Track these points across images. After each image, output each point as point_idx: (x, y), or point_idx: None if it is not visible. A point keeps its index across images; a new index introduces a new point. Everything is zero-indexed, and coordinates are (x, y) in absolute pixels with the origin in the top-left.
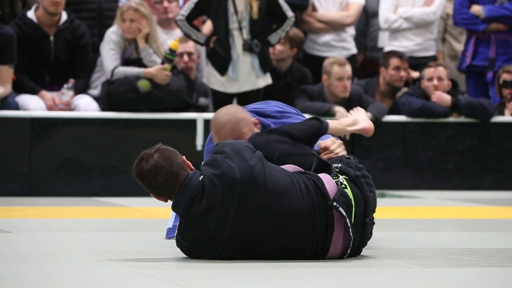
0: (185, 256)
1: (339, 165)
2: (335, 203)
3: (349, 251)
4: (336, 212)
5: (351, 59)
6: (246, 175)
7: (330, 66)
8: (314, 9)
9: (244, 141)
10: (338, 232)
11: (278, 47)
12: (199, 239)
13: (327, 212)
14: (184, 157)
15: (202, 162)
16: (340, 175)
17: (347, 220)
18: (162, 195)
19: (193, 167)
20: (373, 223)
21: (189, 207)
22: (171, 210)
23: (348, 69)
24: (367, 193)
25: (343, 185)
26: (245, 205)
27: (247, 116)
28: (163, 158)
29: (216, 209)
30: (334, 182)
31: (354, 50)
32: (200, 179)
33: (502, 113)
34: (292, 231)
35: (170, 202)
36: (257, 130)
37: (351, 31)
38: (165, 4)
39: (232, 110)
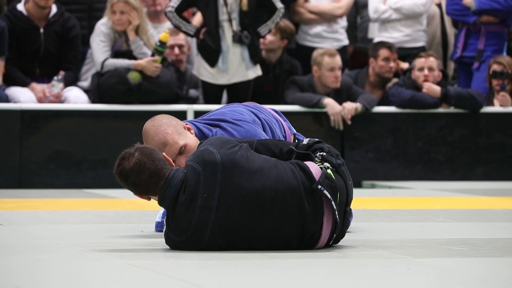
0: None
1: (322, 153)
2: (319, 186)
3: (334, 236)
4: (322, 195)
5: (342, 50)
6: (227, 158)
7: (321, 57)
8: (306, 0)
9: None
10: (328, 216)
11: (269, 37)
12: (186, 229)
13: (315, 195)
14: (164, 153)
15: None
16: (323, 162)
17: (333, 203)
18: (146, 193)
19: (173, 164)
20: (351, 214)
21: (176, 198)
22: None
23: (338, 59)
24: (348, 181)
25: (329, 170)
26: (228, 188)
27: (176, 122)
28: (144, 156)
29: (200, 195)
30: (319, 167)
31: (345, 42)
32: (184, 171)
33: (491, 103)
34: (278, 213)
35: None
36: (190, 133)
37: (343, 22)
38: None
39: (159, 121)
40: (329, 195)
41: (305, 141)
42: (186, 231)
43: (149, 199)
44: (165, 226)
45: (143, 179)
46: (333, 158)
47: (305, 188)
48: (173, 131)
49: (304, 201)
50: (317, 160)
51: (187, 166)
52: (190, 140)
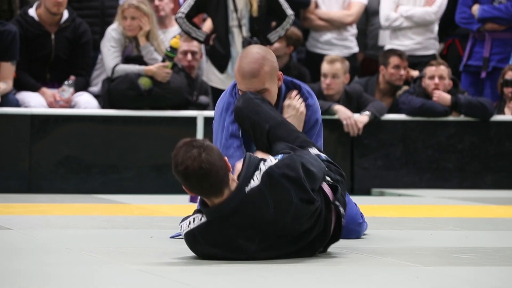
0: (186, 254)
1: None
2: (336, 202)
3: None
4: (335, 211)
5: (352, 57)
6: (300, 209)
7: (323, 63)
8: (317, 6)
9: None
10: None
11: (275, 44)
12: (223, 244)
13: (327, 217)
14: (226, 157)
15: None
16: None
17: (343, 220)
18: (197, 194)
19: (231, 168)
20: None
21: (228, 216)
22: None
23: (336, 67)
24: (347, 197)
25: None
26: (283, 231)
27: (275, 64)
28: (210, 162)
29: (255, 227)
30: (328, 186)
31: (355, 49)
32: (247, 191)
33: (502, 111)
34: (294, 247)
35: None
36: (279, 83)
37: (353, 30)
38: (156, 2)
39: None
40: (342, 211)
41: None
42: (221, 247)
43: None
44: (188, 224)
45: (203, 186)
46: (331, 173)
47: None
48: (269, 70)
49: (320, 226)
50: None
51: (259, 193)
52: (274, 89)
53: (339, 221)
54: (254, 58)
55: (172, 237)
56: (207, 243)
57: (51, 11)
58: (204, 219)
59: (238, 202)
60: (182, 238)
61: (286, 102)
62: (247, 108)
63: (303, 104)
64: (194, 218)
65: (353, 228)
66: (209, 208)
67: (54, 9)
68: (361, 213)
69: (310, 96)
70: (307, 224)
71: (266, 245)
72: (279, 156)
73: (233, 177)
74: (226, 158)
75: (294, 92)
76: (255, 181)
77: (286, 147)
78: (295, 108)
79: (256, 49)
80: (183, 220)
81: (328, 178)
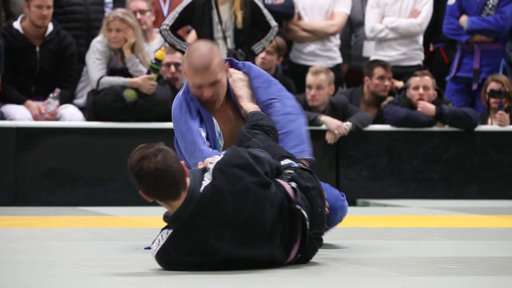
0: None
1: (292, 172)
2: (297, 206)
3: (297, 256)
4: (298, 214)
5: (336, 68)
6: (255, 191)
7: (308, 75)
8: (300, 18)
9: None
10: (300, 235)
11: (268, 57)
12: (195, 251)
13: (292, 214)
14: (183, 161)
15: (213, 158)
16: (291, 182)
17: (307, 223)
18: (154, 198)
19: (187, 172)
20: (319, 238)
21: (191, 220)
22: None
23: (320, 78)
24: (317, 207)
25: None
26: (248, 222)
27: (221, 56)
28: (166, 163)
29: (220, 224)
30: (290, 187)
31: (339, 60)
32: (201, 190)
33: (485, 122)
34: (265, 243)
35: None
36: (227, 74)
37: (336, 40)
38: (139, 16)
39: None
40: (305, 214)
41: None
42: (195, 254)
43: (152, 200)
44: (158, 242)
45: (159, 187)
46: (302, 180)
47: (285, 208)
48: (218, 62)
49: (285, 222)
50: (286, 178)
51: (213, 188)
52: (224, 79)
53: (304, 226)
54: (203, 52)
55: (147, 248)
56: (180, 254)
57: (36, 24)
58: (170, 231)
59: (196, 203)
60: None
61: (230, 80)
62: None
63: (240, 72)
64: (162, 235)
65: (340, 204)
66: (171, 216)
67: (39, 22)
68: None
69: (242, 65)
70: (270, 213)
71: (237, 241)
72: (222, 153)
73: (189, 181)
74: (182, 162)
75: (230, 69)
76: (206, 181)
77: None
78: (239, 79)
79: (202, 45)
80: (152, 242)
81: (289, 177)
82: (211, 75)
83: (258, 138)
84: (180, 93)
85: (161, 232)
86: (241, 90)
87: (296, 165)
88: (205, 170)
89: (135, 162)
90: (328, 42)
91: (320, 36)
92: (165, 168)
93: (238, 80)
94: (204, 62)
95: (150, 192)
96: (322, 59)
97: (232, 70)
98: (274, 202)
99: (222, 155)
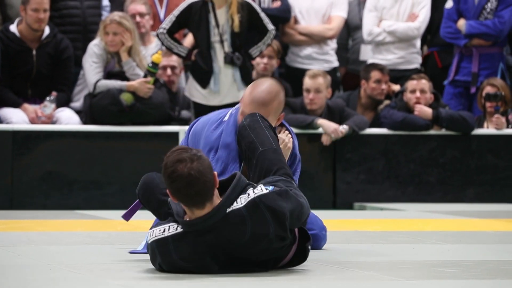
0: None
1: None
2: (309, 247)
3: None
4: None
5: (333, 72)
6: (271, 244)
7: (305, 78)
8: (296, 21)
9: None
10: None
11: (270, 61)
12: (191, 260)
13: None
14: (215, 172)
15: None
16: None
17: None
18: (179, 201)
19: (217, 184)
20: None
21: (204, 232)
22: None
23: (318, 81)
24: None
25: None
26: (249, 257)
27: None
28: (200, 171)
29: (225, 249)
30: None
31: (336, 63)
32: (228, 210)
33: (481, 125)
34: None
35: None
36: (277, 123)
37: (333, 44)
38: (137, 19)
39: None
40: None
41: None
42: (190, 261)
43: (176, 202)
44: (162, 231)
45: (187, 193)
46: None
47: None
48: (277, 106)
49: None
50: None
51: (247, 209)
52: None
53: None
54: (270, 88)
55: (132, 252)
56: (177, 255)
57: (32, 27)
58: (180, 229)
59: (218, 220)
60: (142, 253)
61: (279, 136)
62: (251, 127)
63: (291, 140)
64: (169, 226)
65: (324, 234)
66: (188, 221)
67: (35, 26)
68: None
69: (292, 134)
70: (271, 256)
71: (228, 266)
72: (271, 188)
73: (217, 194)
74: (216, 173)
75: (284, 129)
76: (238, 204)
77: (280, 180)
78: (283, 142)
79: (274, 82)
80: (153, 226)
81: None
82: (264, 113)
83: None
84: (230, 111)
85: (168, 222)
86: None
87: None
88: (246, 188)
89: (171, 163)
90: (325, 46)
91: (317, 40)
92: (198, 176)
93: (281, 141)
94: (265, 98)
95: (177, 195)
96: (318, 63)
97: (286, 132)
98: (282, 249)
99: (268, 190)
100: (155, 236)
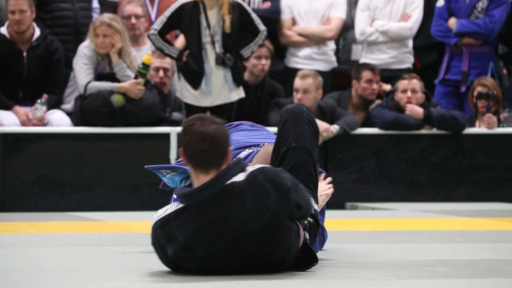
0: (160, 270)
1: (310, 220)
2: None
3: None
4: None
5: (332, 72)
6: (277, 219)
7: (296, 78)
8: (295, 23)
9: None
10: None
11: (267, 62)
12: (193, 237)
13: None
14: (232, 147)
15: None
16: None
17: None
18: (189, 159)
19: (229, 160)
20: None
21: (204, 204)
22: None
23: (307, 82)
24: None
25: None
26: (248, 232)
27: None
28: (216, 134)
29: (227, 225)
30: (303, 233)
31: (335, 64)
32: (227, 182)
33: (473, 125)
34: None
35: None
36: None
37: (332, 45)
38: (133, 20)
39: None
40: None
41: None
42: (189, 235)
43: (185, 163)
44: (165, 211)
45: (200, 149)
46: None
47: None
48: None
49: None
50: (303, 224)
51: (247, 180)
52: None
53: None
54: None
55: (150, 168)
56: (179, 231)
57: (13, 29)
58: (180, 205)
59: (217, 191)
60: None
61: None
62: (293, 115)
63: (331, 190)
64: (172, 205)
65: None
66: (188, 191)
67: (15, 28)
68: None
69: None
70: (277, 253)
71: (233, 249)
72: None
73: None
74: (232, 148)
75: (325, 176)
76: (238, 178)
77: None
78: (322, 189)
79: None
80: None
81: (306, 225)
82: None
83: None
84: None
85: (171, 202)
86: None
87: (313, 211)
88: (243, 169)
89: (193, 118)
90: (323, 46)
91: (317, 41)
92: (212, 136)
93: (326, 194)
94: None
95: (187, 150)
96: (318, 63)
97: (324, 178)
98: (287, 244)
99: (267, 166)
100: (158, 216)
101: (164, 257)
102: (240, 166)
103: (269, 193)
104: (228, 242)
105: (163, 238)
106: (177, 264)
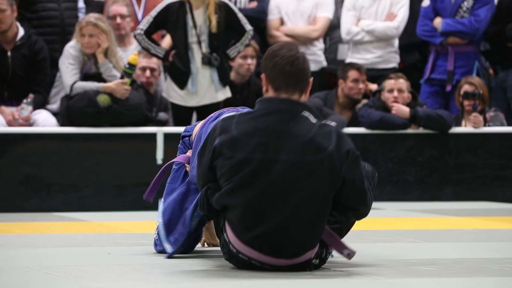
0: (147, 270)
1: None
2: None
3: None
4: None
5: (321, 72)
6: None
7: None
8: (283, 23)
9: None
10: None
11: (255, 61)
12: (246, 135)
13: None
14: (311, 79)
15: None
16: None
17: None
18: (271, 80)
19: (308, 96)
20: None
21: (273, 113)
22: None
23: None
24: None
25: None
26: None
27: None
28: (305, 59)
29: (279, 139)
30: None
31: (324, 63)
32: (310, 118)
33: (459, 124)
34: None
35: None
36: None
37: (320, 44)
38: (118, 20)
39: None
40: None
41: None
42: (246, 136)
43: (265, 82)
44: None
45: (286, 70)
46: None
47: None
48: None
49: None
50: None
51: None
52: None
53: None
54: None
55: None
56: (236, 124)
57: None
58: (251, 111)
59: (291, 112)
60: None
61: None
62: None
63: None
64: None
65: None
66: (269, 97)
67: None
68: None
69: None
70: (316, 206)
71: (265, 175)
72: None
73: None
74: (311, 79)
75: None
76: (311, 117)
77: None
78: None
79: None
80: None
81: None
82: None
83: None
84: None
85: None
86: None
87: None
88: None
89: (278, 45)
90: (311, 46)
91: (303, 41)
92: (302, 62)
93: None
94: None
95: (276, 72)
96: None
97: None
98: (324, 209)
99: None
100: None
101: (207, 149)
102: (318, 116)
103: (331, 141)
104: (265, 159)
105: (219, 129)
106: (215, 158)
